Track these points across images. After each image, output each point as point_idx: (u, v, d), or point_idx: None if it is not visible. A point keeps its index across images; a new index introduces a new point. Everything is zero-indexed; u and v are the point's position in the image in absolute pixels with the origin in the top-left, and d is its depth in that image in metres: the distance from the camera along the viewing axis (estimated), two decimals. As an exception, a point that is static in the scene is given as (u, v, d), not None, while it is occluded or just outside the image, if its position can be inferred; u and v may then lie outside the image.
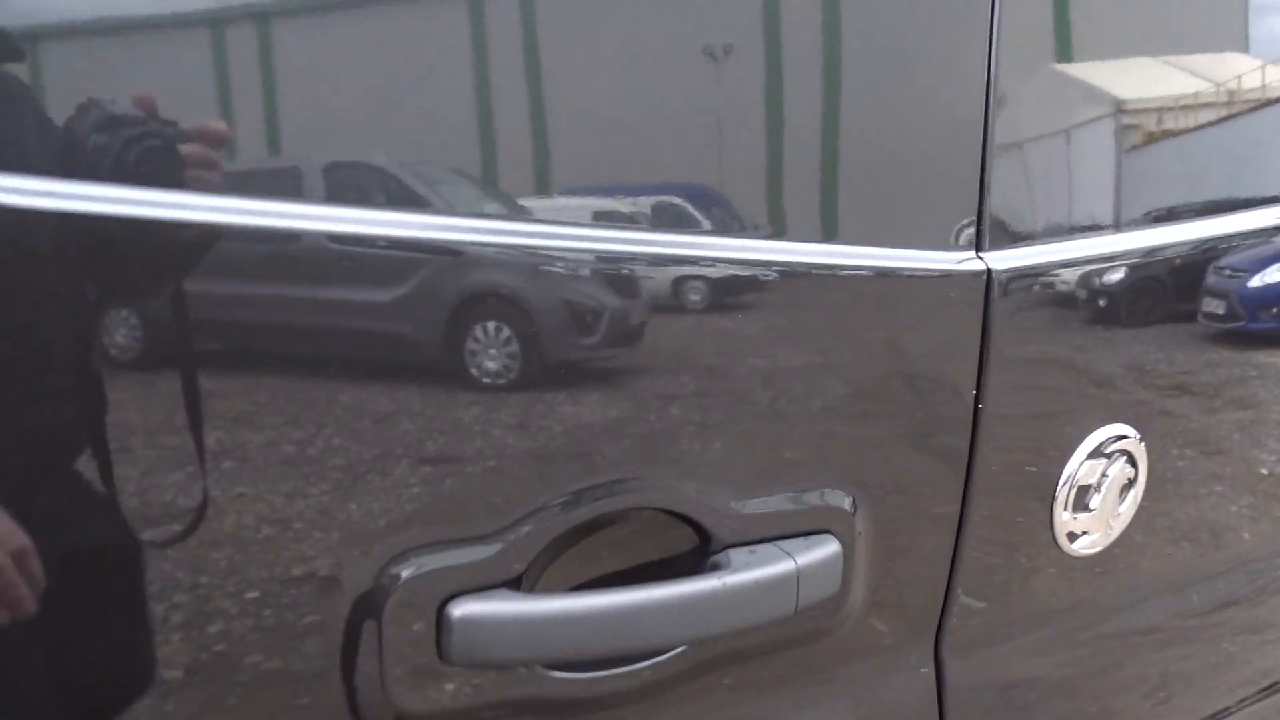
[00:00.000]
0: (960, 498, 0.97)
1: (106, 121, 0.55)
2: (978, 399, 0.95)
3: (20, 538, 0.57)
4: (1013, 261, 0.95)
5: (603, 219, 0.77)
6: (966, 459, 0.96)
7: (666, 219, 0.79)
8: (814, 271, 0.86)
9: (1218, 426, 1.21)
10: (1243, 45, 1.16)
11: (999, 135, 0.94)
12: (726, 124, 0.82)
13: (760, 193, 0.85)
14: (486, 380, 0.72)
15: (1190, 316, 1.15)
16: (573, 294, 0.75)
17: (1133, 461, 1.06)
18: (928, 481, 0.95)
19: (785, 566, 0.83)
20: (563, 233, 0.74)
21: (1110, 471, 1.04)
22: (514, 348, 0.74)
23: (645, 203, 0.79)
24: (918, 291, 0.93)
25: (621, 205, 0.79)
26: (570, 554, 0.78)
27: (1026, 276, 0.96)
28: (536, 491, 0.76)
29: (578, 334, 0.75)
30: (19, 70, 0.55)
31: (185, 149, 0.58)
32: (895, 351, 0.91)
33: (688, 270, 0.81)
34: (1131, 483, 1.06)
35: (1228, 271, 1.19)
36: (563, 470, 0.76)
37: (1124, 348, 1.05)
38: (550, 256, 0.73)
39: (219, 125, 0.60)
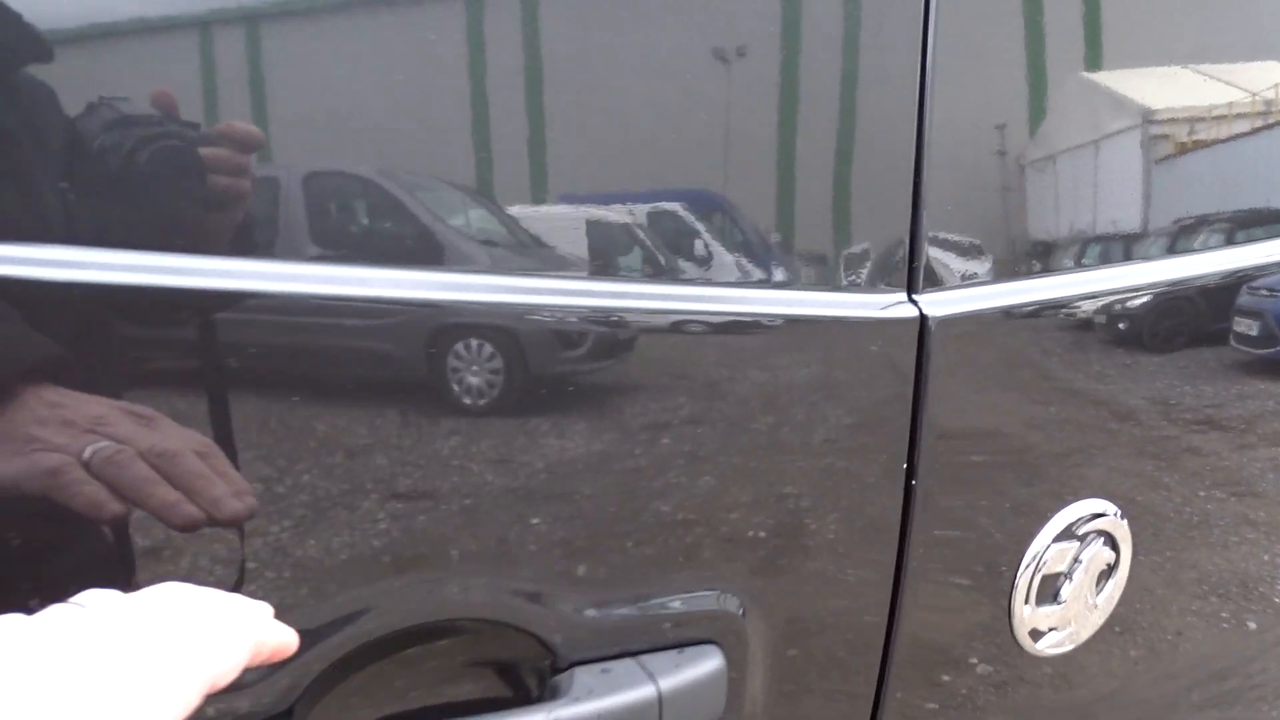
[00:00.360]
0: (890, 592, 0.80)
1: (117, 121, 0.51)
2: (910, 472, 0.78)
3: (201, 439, 0.55)
4: (953, 305, 0.78)
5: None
6: (897, 546, 0.79)
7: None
8: (703, 319, 0.70)
9: (1246, 467, 1.04)
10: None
11: (935, 157, 0.77)
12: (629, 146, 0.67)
13: (641, 230, 0.69)
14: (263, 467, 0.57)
15: (1188, 352, 0.96)
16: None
17: (1113, 543, 0.88)
18: (848, 575, 0.78)
19: (641, 692, 0.67)
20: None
21: (1084, 556, 0.86)
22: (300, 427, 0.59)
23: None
24: (836, 342, 0.76)
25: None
26: (355, 681, 0.63)
27: (969, 322, 0.79)
28: (309, 598, 0.60)
29: (398, 395, 0.60)
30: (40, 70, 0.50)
31: (209, 153, 0.53)
32: (808, 413, 0.75)
33: (553, 321, 0.65)
34: (1111, 568, 0.88)
35: (1264, 291, 1.01)
36: (348, 568, 0.61)
37: (1098, 406, 0.87)
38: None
39: (249, 128, 0.54)
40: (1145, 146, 0.90)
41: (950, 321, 0.77)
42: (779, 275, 0.73)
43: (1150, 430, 0.95)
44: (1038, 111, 0.83)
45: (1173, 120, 0.92)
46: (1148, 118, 0.88)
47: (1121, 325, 0.87)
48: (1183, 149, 0.94)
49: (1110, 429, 0.89)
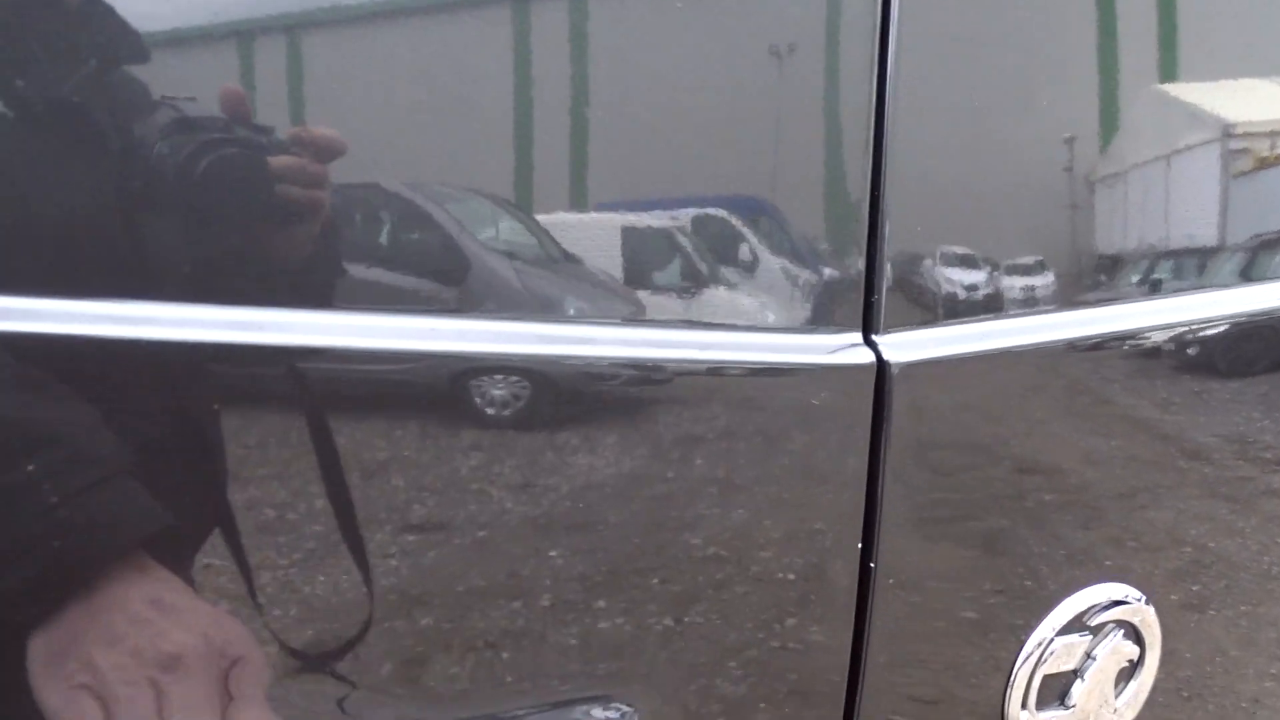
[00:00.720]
0: (844, 705, 0.65)
1: (175, 125, 0.44)
2: (867, 553, 0.63)
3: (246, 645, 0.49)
4: (922, 349, 0.63)
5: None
6: (850, 648, 0.64)
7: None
8: (592, 367, 0.56)
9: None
10: None
11: (899, 163, 0.61)
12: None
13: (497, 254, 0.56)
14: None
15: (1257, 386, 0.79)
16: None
17: (1136, 636, 0.71)
18: (787, 682, 0.64)
19: None
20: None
21: (1099, 651, 0.70)
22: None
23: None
24: (769, 395, 0.61)
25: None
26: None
27: (944, 370, 0.63)
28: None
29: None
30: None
31: (279, 161, 0.46)
32: (732, 485, 0.60)
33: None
34: (1135, 665, 0.72)
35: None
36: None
37: (1119, 467, 0.71)
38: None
39: (329, 133, 0.47)
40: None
41: (918, 369, 0.62)
42: (691, 310, 0.59)
43: (1221, 470, 0.78)
44: (1044, 113, 0.66)
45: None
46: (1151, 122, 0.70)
47: (1152, 368, 0.70)
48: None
49: (1139, 495, 0.72)
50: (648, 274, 0.58)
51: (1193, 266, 0.74)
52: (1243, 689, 0.88)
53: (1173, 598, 0.78)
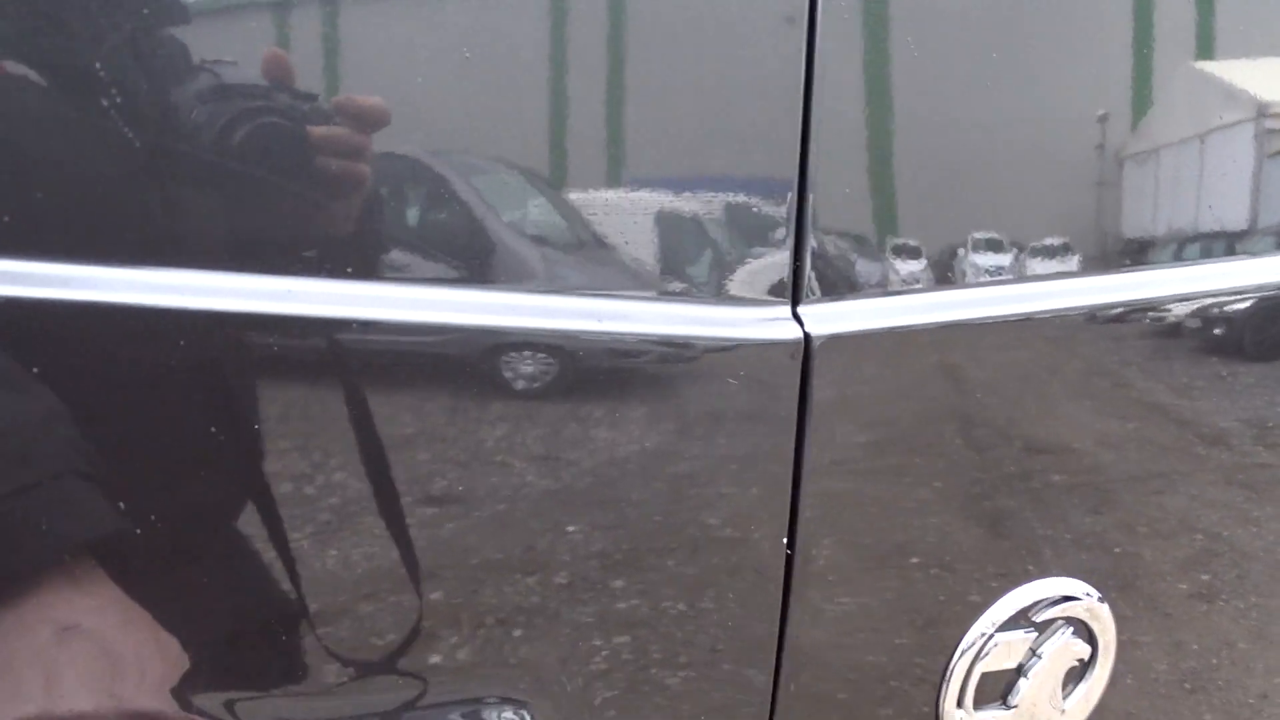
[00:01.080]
0: (769, 696, 0.62)
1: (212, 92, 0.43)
2: (792, 540, 0.59)
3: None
4: (850, 321, 0.58)
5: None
6: (777, 637, 0.61)
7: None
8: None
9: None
10: None
11: (828, 118, 0.56)
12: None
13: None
14: None
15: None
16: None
17: (1088, 634, 0.67)
18: (705, 677, 0.60)
19: None
20: None
21: (1045, 649, 0.65)
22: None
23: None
24: (686, 371, 0.57)
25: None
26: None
27: (874, 344, 0.59)
28: None
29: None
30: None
31: (320, 131, 0.45)
32: (639, 475, 0.57)
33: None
34: (1086, 664, 0.67)
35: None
36: None
37: (1068, 453, 0.66)
38: None
39: (373, 102, 0.46)
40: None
41: (843, 343, 0.57)
42: (585, 277, 0.55)
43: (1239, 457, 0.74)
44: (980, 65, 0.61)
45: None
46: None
47: (1091, 341, 0.65)
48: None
49: (1090, 478, 0.67)
50: (559, 242, 0.54)
51: (1179, 249, 0.68)
52: (1250, 684, 0.85)
53: (1181, 587, 0.75)
